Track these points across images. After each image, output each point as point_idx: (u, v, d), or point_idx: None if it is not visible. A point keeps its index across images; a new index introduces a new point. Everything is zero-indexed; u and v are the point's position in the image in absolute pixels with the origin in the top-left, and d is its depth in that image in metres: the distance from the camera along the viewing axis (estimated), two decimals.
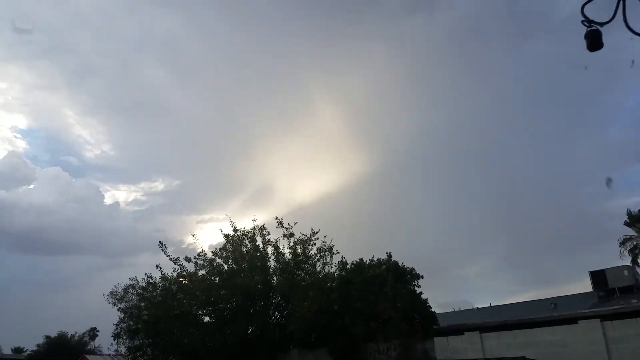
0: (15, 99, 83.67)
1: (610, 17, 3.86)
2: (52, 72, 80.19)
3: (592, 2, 3.92)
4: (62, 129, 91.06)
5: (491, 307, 21.41)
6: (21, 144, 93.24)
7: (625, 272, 14.50)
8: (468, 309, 23.43)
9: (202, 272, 21.43)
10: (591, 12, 4.04)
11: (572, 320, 11.35)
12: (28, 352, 47.40)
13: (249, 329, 18.90)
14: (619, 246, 20.56)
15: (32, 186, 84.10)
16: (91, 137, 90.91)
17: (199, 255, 21.72)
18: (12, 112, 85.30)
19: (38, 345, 42.95)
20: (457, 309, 24.99)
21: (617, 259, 20.36)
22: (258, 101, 77.93)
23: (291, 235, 21.38)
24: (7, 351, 56.94)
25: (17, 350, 54.26)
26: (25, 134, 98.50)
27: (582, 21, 3.96)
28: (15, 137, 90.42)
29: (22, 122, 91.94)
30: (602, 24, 3.92)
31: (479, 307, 22.57)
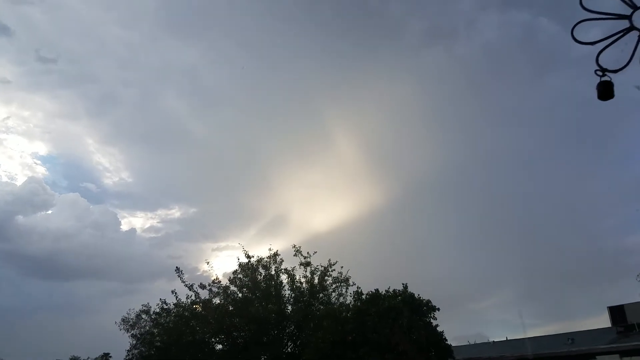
0: (37, 126, 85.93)
1: (625, 62, 3.95)
2: (74, 101, 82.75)
3: (609, 47, 4.01)
4: (82, 156, 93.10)
5: (507, 341, 21.18)
6: (41, 170, 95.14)
7: None
8: (484, 342, 23.15)
9: (216, 300, 21.60)
10: (607, 54, 4.29)
11: (590, 355, 11.37)
12: None
13: (262, 358, 18.86)
14: (638, 281, 20.40)
15: (50, 211, 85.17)
16: (110, 165, 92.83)
17: (213, 282, 21.96)
18: (33, 140, 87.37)
19: None
20: (472, 342, 24.67)
21: (635, 294, 20.18)
22: (275, 131, 79.48)
23: (308, 264, 21.62)
24: None
25: None
26: (45, 160, 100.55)
27: (596, 71, 3.99)
28: (35, 163, 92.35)
29: (43, 149, 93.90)
30: (616, 71, 4.00)
31: (495, 340, 22.33)
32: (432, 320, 16.45)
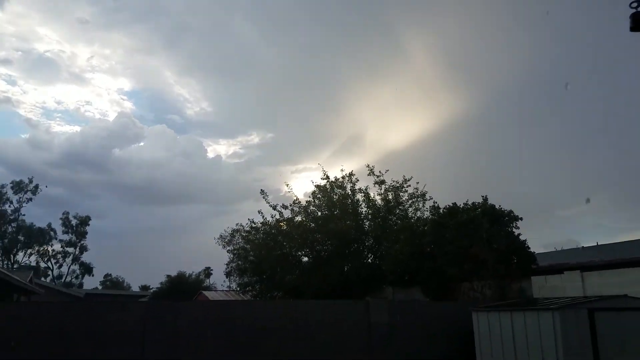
0: (119, 63, 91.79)
1: None
2: (149, 35, 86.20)
3: None
4: (163, 89, 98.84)
5: (598, 246, 20.30)
6: (128, 105, 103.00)
7: None
8: (572, 248, 22.42)
9: (297, 218, 23.03)
10: None
11: None
12: (153, 289, 54.73)
13: (344, 268, 20.15)
14: None
15: (142, 144, 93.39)
16: (190, 96, 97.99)
17: (294, 202, 23.32)
18: (116, 76, 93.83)
19: (161, 283, 49.38)
20: (560, 249, 24.01)
21: None
22: (346, 50, 77.13)
23: (382, 182, 22.08)
24: (135, 289, 66.31)
25: (144, 288, 62.90)
26: (130, 95, 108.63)
27: (630, 3, 4.52)
28: (122, 99, 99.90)
29: (127, 84, 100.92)
30: None
31: (585, 246, 21.51)
32: (514, 230, 16.16)
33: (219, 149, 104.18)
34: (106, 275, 71.60)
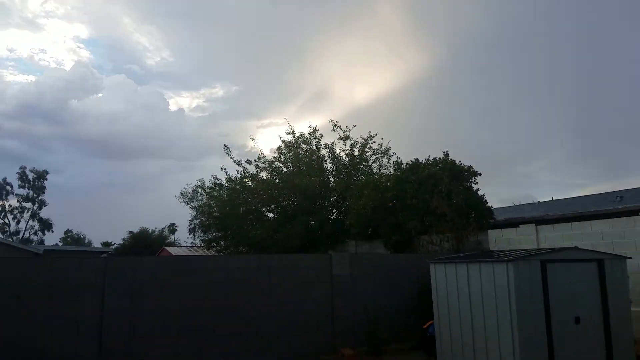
0: (75, 8, 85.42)
1: None
2: None
3: None
4: (122, 37, 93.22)
5: (553, 201, 21.30)
6: (85, 54, 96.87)
7: None
8: (528, 203, 23.47)
9: (262, 174, 22.87)
10: None
11: (634, 212, 11.28)
12: (115, 245, 53.91)
13: (309, 223, 20.35)
14: None
15: (100, 95, 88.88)
16: (150, 44, 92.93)
17: (259, 158, 23.05)
18: (73, 22, 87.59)
19: (123, 239, 48.62)
20: (517, 204, 25.10)
21: None
22: (313, 1, 74.46)
23: (347, 138, 22.09)
24: (97, 245, 65.14)
25: (106, 244, 61.85)
26: (87, 43, 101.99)
27: None
28: (78, 47, 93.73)
29: (84, 31, 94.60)
30: None
31: (541, 201, 22.53)
32: (473, 185, 16.63)
33: (182, 101, 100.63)
34: (67, 232, 69.83)
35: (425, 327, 10.41)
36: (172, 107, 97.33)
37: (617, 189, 17.99)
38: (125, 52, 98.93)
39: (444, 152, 17.39)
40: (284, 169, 22.54)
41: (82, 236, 71.80)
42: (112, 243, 58.84)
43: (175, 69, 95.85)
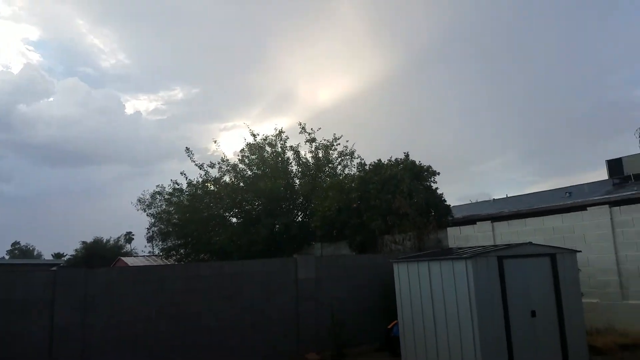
0: (23, 9, 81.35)
1: None
2: None
3: None
4: (75, 39, 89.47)
5: (507, 198, 22.00)
6: (35, 57, 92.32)
7: None
8: (484, 201, 24.16)
9: (226, 178, 22.46)
10: None
11: (582, 207, 11.80)
12: (67, 257, 51.56)
13: (274, 227, 20.14)
14: (638, 136, 20.19)
15: (51, 99, 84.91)
16: (105, 46, 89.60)
17: (222, 161, 22.64)
18: (20, 23, 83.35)
19: (76, 250, 46.50)
20: (474, 202, 25.80)
21: (636, 147, 20.18)
22: (276, 1, 74.14)
23: (313, 140, 22.08)
24: (48, 257, 62.15)
25: (57, 256, 59.15)
26: (37, 45, 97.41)
27: None
28: (27, 49, 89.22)
29: (34, 33, 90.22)
30: None
31: (496, 198, 23.25)
32: (432, 184, 16.97)
33: (139, 104, 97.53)
34: (14, 244, 66.22)
35: (389, 327, 10.49)
36: (129, 110, 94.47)
37: (566, 185, 18.81)
38: (79, 55, 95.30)
39: (404, 152, 17.75)
40: (248, 172, 22.25)
41: (31, 248, 68.26)
42: (64, 254, 56.34)
43: (132, 72, 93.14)
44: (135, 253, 48.09)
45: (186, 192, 22.71)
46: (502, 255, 7.97)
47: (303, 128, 22.32)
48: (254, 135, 22.51)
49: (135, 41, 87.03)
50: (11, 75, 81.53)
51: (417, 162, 17.21)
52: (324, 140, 22.43)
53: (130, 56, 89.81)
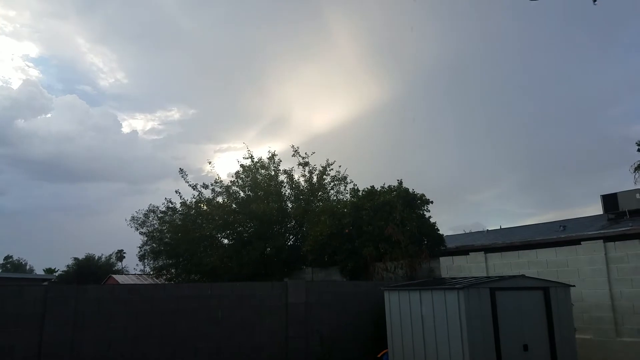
0: (25, 26, 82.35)
1: None
2: None
3: None
4: (75, 57, 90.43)
5: (501, 230, 22.03)
6: (34, 73, 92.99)
7: (638, 196, 14.71)
8: (478, 231, 24.18)
9: (219, 199, 22.41)
10: None
11: (576, 241, 11.84)
12: (59, 272, 50.68)
13: (265, 250, 19.99)
14: (633, 172, 20.48)
15: (49, 115, 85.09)
16: (104, 65, 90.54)
17: (215, 182, 22.63)
18: (22, 40, 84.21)
19: (67, 266, 45.76)
20: (467, 232, 25.80)
21: (632, 183, 20.46)
22: (273, 27, 75.65)
23: (306, 164, 22.17)
24: (39, 272, 61.05)
25: (49, 271, 58.11)
26: (37, 62, 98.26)
27: None
28: (27, 65, 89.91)
29: (34, 50, 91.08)
30: None
31: (489, 229, 23.29)
32: (425, 213, 17.00)
33: (135, 123, 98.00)
34: (6, 258, 65.15)
35: (379, 356, 10.32)
36: (125, 129, 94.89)
37: (561, 219, 18.92)
38: (78, 73, 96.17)
39: (398, 180, 17.82)
40: (242, 194, 22.22)
41: (23, 262, 67.16)
42: (56, 270, 55.41)
43: (129, 91, 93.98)
44: (127, 271, 47.42)
45: (179, 211, 22.62)
46: (495, 287, 7.94)
47: (296, 151, 22.44)
48: (251, 157, 22.62)
49: (134, 61, 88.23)
50: (10, 90, 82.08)
51: (410, 190, 17.29)
52: (318, 165, 22.57)
53: (128, 76, 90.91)
